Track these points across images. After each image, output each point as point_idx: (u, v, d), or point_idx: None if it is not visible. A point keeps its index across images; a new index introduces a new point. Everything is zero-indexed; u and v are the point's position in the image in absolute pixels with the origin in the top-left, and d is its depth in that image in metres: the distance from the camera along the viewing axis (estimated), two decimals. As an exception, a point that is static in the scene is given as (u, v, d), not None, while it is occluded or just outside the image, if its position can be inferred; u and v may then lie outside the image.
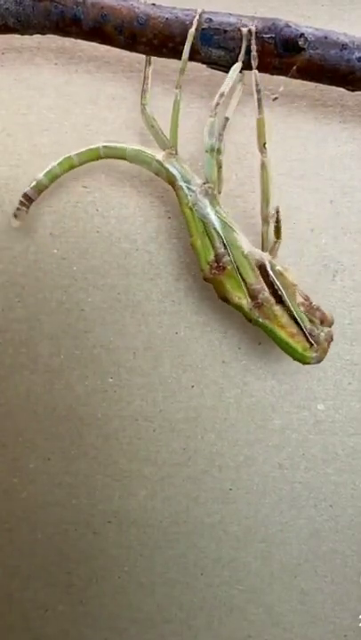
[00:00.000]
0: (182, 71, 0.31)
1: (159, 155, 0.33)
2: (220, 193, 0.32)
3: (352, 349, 0.35)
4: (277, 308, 0.32)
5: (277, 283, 0.32)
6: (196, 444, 0.36)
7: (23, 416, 0.37)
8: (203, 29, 0.31)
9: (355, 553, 0.36)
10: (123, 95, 0.35)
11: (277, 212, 0.32)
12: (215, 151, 0.32)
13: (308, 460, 0.36)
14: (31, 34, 0.33)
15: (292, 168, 0.35)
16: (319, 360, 0.32)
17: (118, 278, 0.36)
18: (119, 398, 0.36)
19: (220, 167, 0.32)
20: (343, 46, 0.31)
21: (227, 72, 0.32)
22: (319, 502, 0.36)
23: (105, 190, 0.35)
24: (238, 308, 0.32)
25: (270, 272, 0.32)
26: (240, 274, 0.32)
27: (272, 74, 0.32)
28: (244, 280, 0.32)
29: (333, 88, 0.33)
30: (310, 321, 0.32)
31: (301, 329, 0.32)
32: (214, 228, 0.32)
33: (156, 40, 0.32)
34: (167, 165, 0.33)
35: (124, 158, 0.33)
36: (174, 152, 0.33)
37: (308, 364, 0.32)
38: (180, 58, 0.32)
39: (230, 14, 0.31)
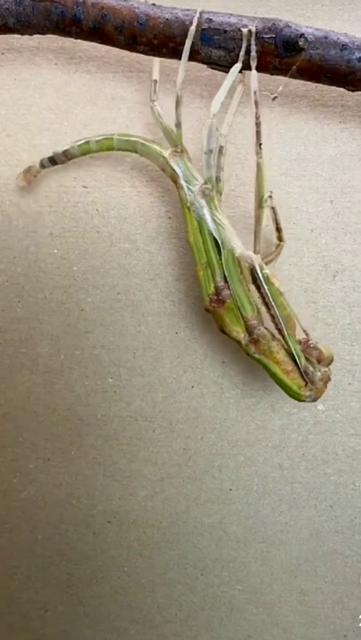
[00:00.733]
0: (182, 70, 0.31)
1: (166, 151, 0.33)
2: (220, 194, 0.32)
3: (352, 350, 0.35)
4: (274, 344, 0.32)
5: (266, 291, 0.32)
6: (196, 445, 0.36)
7: (23, 416, 0.37)
8: (203, 29, 0.31)
9: (355, 553, 0.36)
10: (123, 95, 0.35)
11: (273, 208, 0.32)
12: (214, 153, 0.32)
13: (308, 460, 0.36)
14: (31, 34, 0.33)
15: (293, 168, 0.35)
16: (314, 399, 0.32)
17: (118, 278, 0.36)
18: (119, 398, 0.36)
19: (220, 168, 0.32)
20: (343, 46, 0.31)
21: (227, 72, 0.32)
22: (319, 503, 0.36)
23: (105, 190, 0.35)
24: (236, 341, 0.33)
25: (259, 276, 0.32)
26: (238, 308, 0.32)
27: (272, 74, 0.32)
28: (241, 315, 0.32)
29: (334, 88, 0.33)
30: (307, 359, 0.32)
31: (297, 366, 0.32)
32: (208, 230, 0.32)
33: (157, 40, 0.32)
34: (172, 163, 0.33)
35: (135, 151, 0.33)
36: (180, 150, 0.33)
37: (303, 401, 0.32)
38: (180, 58, 0.32)
39: (230, 14, 0.31)
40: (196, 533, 0.36)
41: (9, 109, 0.36)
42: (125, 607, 0.37)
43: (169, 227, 0.35)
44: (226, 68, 0.32)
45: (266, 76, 0.32)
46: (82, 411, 0.37)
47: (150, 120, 0.34)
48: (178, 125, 0.32)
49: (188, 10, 0.31)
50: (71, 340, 0.36)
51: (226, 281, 0.32)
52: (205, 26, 0.31)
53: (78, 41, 0.33)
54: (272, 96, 0.33)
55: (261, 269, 0.32)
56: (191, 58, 0.32)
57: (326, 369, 0.32)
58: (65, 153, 0.34)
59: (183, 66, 0.31)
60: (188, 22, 0.31)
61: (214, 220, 0.32)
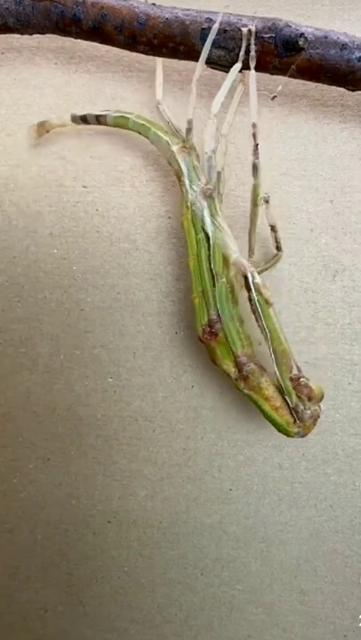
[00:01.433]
0: (200, 68, 0.31)
1: (175, 146, 0.33)
2: (220, 194, 0.32)
3: (352, 349, 0.35)
4: (263, 380, 0.32)
5: (256, 303, 0.32)
6: (196, 445, 0.36)
7: (23, 416, 0.37)
8: (202, 29, 0.31)
9: (355, 553, 0.36)
10: (122, 95, 0.35)
11: (272, 221, 0.33)
12: (215, 153, 0.32)
13: (308, 460, 0.36)
14: (31, 33, 0.33)
15: (292, 168, 0.35)
16: (303, 435, 0.32)
17: (118, 278, 0.36)
18: (119, 398, 0.36)
19: (221, 170, 0.32)
20: (343, 46, 0.31)
21: (227, 72, 0.32)
22: (319, 502, 0.36)
23: (105, 190, 0.35)
24: (226, 374, 0.33)
25: (251, 285, 0.32)
26: (229, 343, 0.32)
27: (272, 74, 0.32)
28: (232, 350, 0.32)
29: (334, 88, 0.33)
30: (298, 396, 0.32)
31: (287, 402, 0.32)
32: (206, 233, 0.32)
33: (156, 40, 0.32)
34: (179, 159, 0.33)
35: (147, 137, 0.33)
36: (189, 147, 0.33)
37: (291, 437, 0.33)
38: (180, 58, 0.32)
39: (230, 14, 0.31)
40: (196, 533, 0.36)
41: (9, 109, 0.36)
42: (125, 607, 0.37)
43: (169, 226, 0.35)
44: (226, 67, 0.32)
45: (266, 76, 0.32)
46: (82, 411, 0.37)
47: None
48: (190, 123, 0.32)
49: (188, 9, 0.31)
50: (71, 339, 0.36)
51: (218, 315, 0.32)
52: (205, 25, 0.31)
53: (78, 41, 0.33)
54: (271, 95, 0.33)
55: (253, 278, 0.32)
56: (191, 57, 0.32)
57: (316, 407, 0.32)
58: (98, 117, 0.33)
59: (201, 65, 0.31)
60: (187, 22, 0.31)
61: (213, 223, 0.32)
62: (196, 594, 0.37)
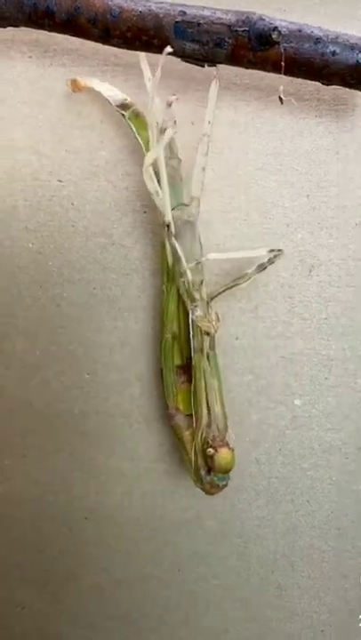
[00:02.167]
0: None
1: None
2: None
3: (328, 344, 0.35)
4: (186, 434, 0.34)
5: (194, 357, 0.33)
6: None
7: (-1, 412, 0.37)
8: (176, 22, 0.31)
9: (331, 548, 0.36)
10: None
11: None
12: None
13: (284, 455, 0.36)
14: (4, 26, 0.33)
15: (268, 162, 0.35)
16: (206, 493, 0.33)
17: (94, 273, 0.36)
18: (96, 394, 0.36)
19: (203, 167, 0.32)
20: (317, 40, 0.31)
21: (202, 66, 0.32)
22: (296, 497, 0.36)
23: (80, 184, 0.35)
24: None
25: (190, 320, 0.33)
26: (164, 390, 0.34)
27: (246, 67, 0.32)
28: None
29: (309, 82, 0.33)
30: (203, 459, 0.33)
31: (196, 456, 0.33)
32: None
33: (130, 33, 0.31)
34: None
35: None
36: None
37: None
38: (153, 51, 0.31)
39: (204, 7, 0.31)
40: (173, 529, 0.36)
41: (-17, 103, 0.35)
42: (102, 603, 0.37)
43: (145, 221, 0.35)
44: (200, 61, 0.32)
45: (240, 69, 0.32)
46: (58, 407, 0.36)
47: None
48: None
49: (161, 2, 0.31)
50: (47, 335, 0.36)
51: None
52: (179, 19, 0.31)
53: (53, 34, 0.33)
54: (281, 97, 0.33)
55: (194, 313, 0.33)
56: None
57: (215, 478, 0.33)
58: None
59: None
60: (161, 15, 0.31)
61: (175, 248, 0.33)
62: (172, 589, 0.37)
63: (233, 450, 0.32)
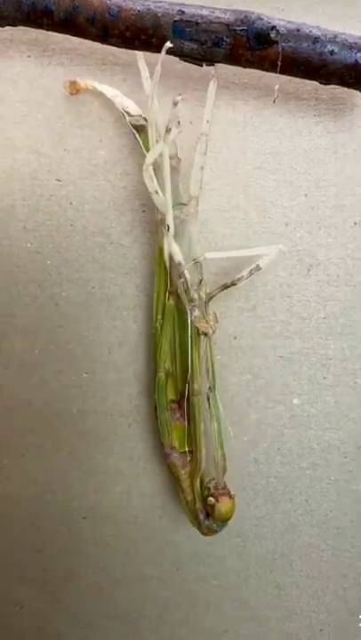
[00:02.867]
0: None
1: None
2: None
3: (327, 344, 0.35)
4: (182, 473, 0.33)
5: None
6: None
7: (-3, 412, 0.37)
8: (175, 21, 0.31)
9: (330, 547, 0.36)
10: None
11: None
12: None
13: (283, 454, 0.36)
14: (2, 25, 0.33)
15: (267, 161, 0.35)
16: (202, 534, 0.34)
17: (93, 272, 0.36)
18: (94, 393, 0.36)
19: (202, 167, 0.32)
20: (315, 39, 0.31)
21: (200, 65, 0.32)
22: (295, 497, 0.36)
23: (79, 184, 0.35)
24: None
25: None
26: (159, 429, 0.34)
27: (245, 67, 0.32)
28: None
29: (308, 81, 0.33)
30: (203, 504, 0.33)
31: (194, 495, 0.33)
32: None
33: (129, 32, 0.31)
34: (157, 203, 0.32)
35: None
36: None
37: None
38: (152, 50, 0.32)
39: (202, 6, 0.31)
40: (172, 528, 0.36)
41: (-18, 102, 0.35)
42: (101, 603, 0.37)
43: (143, 220, 0.35)
44: (198, 60, 0.32)
45: (238, 68, 0.32)
46: (57, 406, 0.36)
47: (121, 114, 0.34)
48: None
49: (160, 1, 0.31)
50: (45, 334, 0.36)
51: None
52: (177, 18, 0.31)
53: (51, 33, 0.33)
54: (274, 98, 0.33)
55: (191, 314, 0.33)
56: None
57: (214, 525, 0.33)
58: None
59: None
60: (160, 14, 0.31)
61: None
62: (172, 589, 0.37)
63: (234, 497, 0.33)
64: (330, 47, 0.31)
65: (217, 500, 0.32)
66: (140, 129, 0.33)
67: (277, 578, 0.37)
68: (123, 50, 0.32)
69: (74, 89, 0.34)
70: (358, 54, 0.30)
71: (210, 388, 0.33)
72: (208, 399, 0.33)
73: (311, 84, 0.34)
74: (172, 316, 0.33)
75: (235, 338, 0.36)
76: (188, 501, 0.33)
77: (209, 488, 0.33)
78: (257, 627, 0.37)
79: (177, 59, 0.32)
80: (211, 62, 0.31)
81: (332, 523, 0.36)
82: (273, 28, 0.30)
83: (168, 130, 0.30)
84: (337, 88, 0.33)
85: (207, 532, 0.33)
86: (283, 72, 0.32)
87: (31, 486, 0.37)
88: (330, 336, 0.35)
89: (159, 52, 0.32)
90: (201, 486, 0.33)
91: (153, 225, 0.35)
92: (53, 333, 0.36)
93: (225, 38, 0.31)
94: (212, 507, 0.32)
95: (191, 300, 0.33)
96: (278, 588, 0.37)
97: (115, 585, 0.37)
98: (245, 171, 0.35)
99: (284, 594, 0.37)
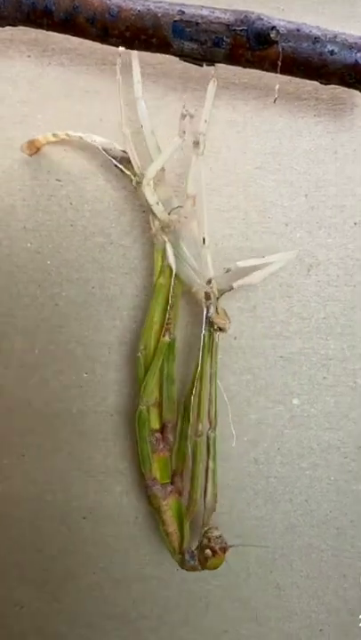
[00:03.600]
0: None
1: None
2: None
3: (327, 344, 0.35)
4: (163, 504, 0.34)
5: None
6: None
7: (-3, 412, 0.37)
8: (175, 21, 0.31)
9: (330, 547, 0.36)
10: (96, 89, 0.35)
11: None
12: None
13: (283, 454, 0.36)
14: (2, 25, 0.33)
15: (267, 162, 0.35)
16: (182, 568, 0.34)
17: (93, 272, 0.36)
18: (94, 394, 0.36)
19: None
20: (315, 39, 0.31)
21: (200, 65, 0.32)
22: (295, 497, 0.36)
23: (78, 184, 0.35)
24: None
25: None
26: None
27: (245, 67, 0.32)
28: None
29: (308, 81, 0.33)
30: (198, 547, 0.33)
31: (180, 530, 0.34)
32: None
33: (129, 32, 0.31)
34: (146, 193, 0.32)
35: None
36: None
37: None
38: (152, 50, 0.32)
39: (202, 6, 0.31)
40: (172, 528, 0.36)
41: (-18, 102, 0.35)
42: (101, 603, 0.37)
43: (143, 220, 0.35)
44: (198, 60, 0.32)
45: (238, 68, 0.32)
46: (57, 406, 0.36)
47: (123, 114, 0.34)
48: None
49: (160, 1, 0.31)
50: (45, 334, 0.36)
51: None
52: (177, 18, 0.31)
53: (51, 33, 0.33)
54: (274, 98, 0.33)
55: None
56: (163, 50, 0.31)
57: (199, 567, 0.34)
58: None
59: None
60: (160, 14, 0.31)
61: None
62: (171, 589, 0.37)
63: (229, 550, 0.33)
64: (330, 47, 0.31)
65: (214, 555, 0.33)
66: (124, 160, 0.34)
67: (277, 578, 0.37)
68: (123, 50, 0.32)
69: (33, 148, 0.34)
70: (358, 54, 0.30)
71: (211, 429, 0.34)
72: (208, 439, 0.33)
73: (311, 84, 0.34)
74: (164, 350, 0.33)
75: (235, 338, 0.36)
76: (169, 533, 0.34)
77: (210, 539, 0.33)
78: (257, 627, 0.37)
79: (177, 59, 0.32)
80: (211, 62, 0.31)
81: (332, 523, 0.36)
82: (273, 28, 0.30)
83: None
84: (337, 88, 0.33)
85: (188, 569, 0.34)
86: (283, 72, 0.32)
87: (31, 486, 0.37)
88: (330, 336, 0.35)
89: (159, 52, 0.32)
90: (192, 527, 0.34)
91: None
92: (53, 333, 0.36)
93: (225, 38, 0.31)
94: (206, 558, 0.33)
95: (208, 298, 0.33)
96: (278, 588, 0.37)
97: (115, 585, 0.37)
98: (245, 171, 0.35)
99: (284, 594, 0.37)
